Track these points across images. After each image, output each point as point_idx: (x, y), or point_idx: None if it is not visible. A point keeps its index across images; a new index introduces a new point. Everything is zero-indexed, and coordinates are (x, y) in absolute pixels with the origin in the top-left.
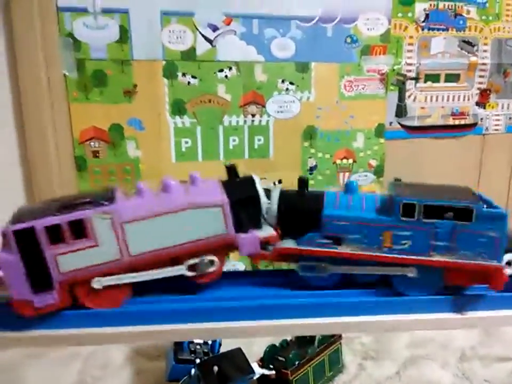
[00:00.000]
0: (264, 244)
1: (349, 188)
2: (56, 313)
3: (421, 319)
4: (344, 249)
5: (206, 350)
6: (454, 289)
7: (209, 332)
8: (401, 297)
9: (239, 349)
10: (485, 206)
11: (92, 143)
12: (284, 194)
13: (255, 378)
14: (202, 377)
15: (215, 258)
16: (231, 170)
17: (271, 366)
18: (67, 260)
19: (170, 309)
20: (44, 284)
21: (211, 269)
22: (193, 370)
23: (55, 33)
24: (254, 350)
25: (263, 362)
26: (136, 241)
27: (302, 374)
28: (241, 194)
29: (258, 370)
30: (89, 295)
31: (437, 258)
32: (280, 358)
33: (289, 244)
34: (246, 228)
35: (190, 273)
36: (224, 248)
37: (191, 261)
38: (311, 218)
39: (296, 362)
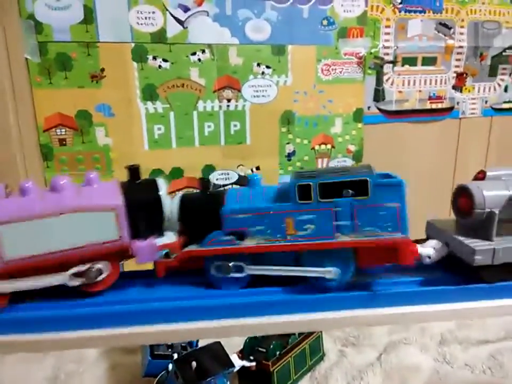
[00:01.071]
0: (166, 251)
1: (251, 182)
2: None
3: (339, 317)
4: (248, 243)
5: (183, 344)
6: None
7: (102, 340)
8: (317, 294)
9: (218, 343)
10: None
11: (58, 131)
12: (185, 198)
13: (235, 370)
14: (180, 373)
15: (105, 265)
16: (133, 171)
17: (252, 358)
18: None
19: (54, 315)
20: None
21: (100, 278)
22: (170, 366)
23: (16, 15)
24: (234, 341)
25: (243, 354)
26: (12, 245)
27: (283, 364)
28: (141, 198)
29: (238, 362)
30: None
31: (342, 239)
32: (261, 349)
33: (192, 247)
34: (144, 234)
35: (74, 282)
36: (117, 254)
37: (75, 269)
38: (212, 217)
39: (277, 353)
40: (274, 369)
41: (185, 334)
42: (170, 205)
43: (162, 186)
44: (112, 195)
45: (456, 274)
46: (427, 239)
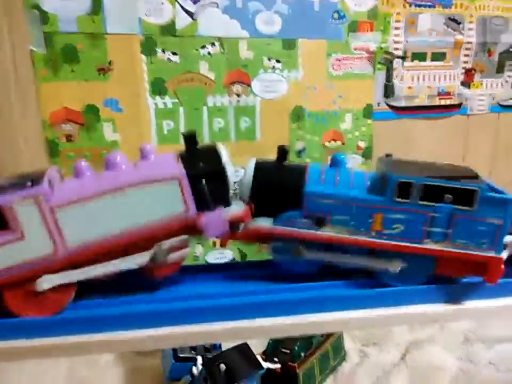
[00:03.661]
0: (234, 222)
1: (336, 162)
2: None
3: (412, 312)
4: (326, 232)
5: (207, 346)
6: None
7: (179, 338)
8: (387, 288)
9: (246, 344)
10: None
11: (64, 126)
12: (260, 166)
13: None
14: (210, 377)
15: (174, 244)
16: (190, 139)
17: (276, 360)
18: None
19: (126, 312)
20: None
21: (171, 258)
22: (194, 369)
23: (20, 5)
24: (255, 343)
25: (266, 356)
26: (73, 230)
27: (308, 366)
28: (203, 166)
29: (263, 364)
30: (20, 300)
31: (430, 246)
32: (285, 351)
33: (263, 222)
34: (210, 205)
35: (144, 264)
36: (184, 231)
37: (145, 252)
38: (291, 194)
39: (302, 354)
40: (300, 371)
41: (254, 331)
42: (244, 173)
43: (223, 152)
44: (171, 164)
45: None
46: None
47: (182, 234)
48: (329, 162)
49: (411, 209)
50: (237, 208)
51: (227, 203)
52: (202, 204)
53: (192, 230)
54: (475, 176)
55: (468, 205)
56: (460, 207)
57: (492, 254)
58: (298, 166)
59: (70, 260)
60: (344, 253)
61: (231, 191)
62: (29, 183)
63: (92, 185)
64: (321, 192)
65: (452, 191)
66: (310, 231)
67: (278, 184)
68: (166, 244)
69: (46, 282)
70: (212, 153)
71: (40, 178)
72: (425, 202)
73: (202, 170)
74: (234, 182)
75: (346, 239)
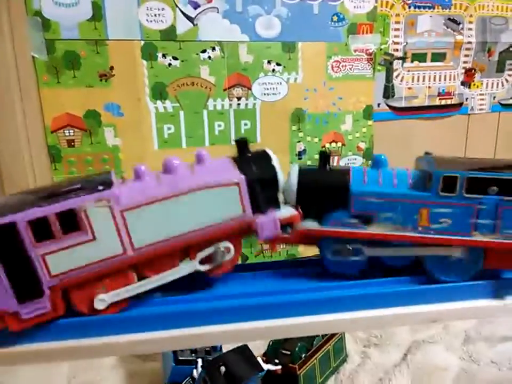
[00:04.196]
0: (284, 225)
1: (377, 162)
2: (49, 324)
3: (461, 307)
4: (375, 230)
5: (207, 349)
6: (492, 273)
7: (231, 335)
8: (437, 284)
9: (246, 346)
10: None
11: (66, 131)
12: (303, 170)
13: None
14: (210, 379)
15: (231, 245)
16: (242, 145)
17: (276, 361)
18: (58, 260)
19: (183, 310)
20: (31, 290)
21: (227, 258)
22: (195, 371)
23: (22, 12)
24: (255, 344)
25: (267, 357)
26: (140, 232)
27: (309, 367)
28: (257, 171)
29: (263, 366)
30: (87, 300)
31: (479, 238)
32: (285, 352)
33: (310, 224)
34: (263, 208)
35: (204, 267)
36: (240, 233)
37: (204, 252)
38: (337, 195)
39: (303, 355)
40: (301, 372)
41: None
42: (289, 177)
43: (274, 157)
44: (230, 170)
45: None
46: None
47: (238, 236)
48: (371, 164)
49: (457, 203)
50: (287, 211)
51: (278, 206)
52: (257, 207)
53: (247, 232)
54: None
55: None
56: (505, 198)
57: None
58: (341, 168)
59: (136, 260)
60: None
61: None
62: (101, 187)
63: (156, 189)
64: (367, 191)
65: (497, 183)
66: (358, 230)
67: (323, 186)
68: (225, 245)
69: (100, 302)
70: (264, 158)
71: (109, 182)
72: (471, 195)
73: (257, 175)
74: None
75: (394, 236)
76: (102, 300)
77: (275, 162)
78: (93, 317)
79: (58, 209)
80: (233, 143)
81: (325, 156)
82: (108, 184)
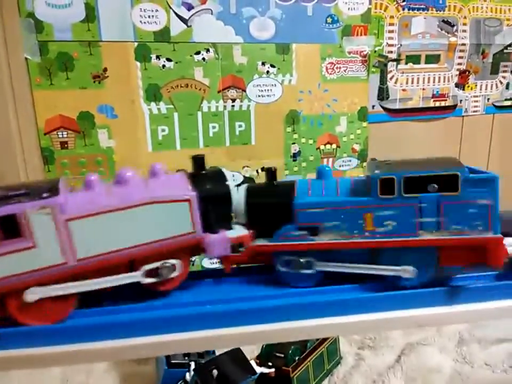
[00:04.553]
0: (236, 245)
1: (321, 173)
2: None
3: (421, 314)
4: (322, 239)
5: (200, 352)
6: (449, 279)
7: (176, 345)
8: (396, 291)
9: (239, 349)
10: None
11: (60, 133)
12: (251, 189)
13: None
14: (202, 382)
15: (178, 262)
16: (199, 161)
17: (270, 364)
18: None
19: (129, 319)
20: None
21: (173, 275)
22: (187, 375)
23: (15, 14)
24: (249, 347)
25: (260, 360)
26: (84, 243)
27: (302, 370)
28: (210, 189)
29: (257, 369)
30: (24, 308)
31: (426, 236)
32: (279, 355)
33: (262, 241)
34: (215, 227)
35: (148, 280)
36: (189, 250)
37: (149, 266)
38: (282, 210)
39: (296, 358)
40: (294, 375)
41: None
42: (237, 196)
43: (229, 176)
44: (183, 186)
45: None
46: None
47: (187, 253)
48: (315, 175)
49: (398, 204)
50: (239, 231)
51: (229, 226)
52: (208, 225)
53: (196, 249)
54: (455, 163)
55: (453, 190)
56: (445, 193)
57: (489, 235)
58: (286, 183)
59: (78, 271)
60: (349, 260)
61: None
62: (45, 194)
63: (104, 200)
64: (309, 202)
65: (435, 180)
66: (305, 242)
67: (269, 202)
68: (171, 262)
69: (30, 295)
70: (218, 177)
71: (56, 190)
72: (410, 195)
73: (210, 193)
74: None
75: (342, 243)
76: (33, 293)
77: (230, 181)
78: (33, 327)
79: None
80: (228, 144)
81: (270, 172)
82: (54, 192)
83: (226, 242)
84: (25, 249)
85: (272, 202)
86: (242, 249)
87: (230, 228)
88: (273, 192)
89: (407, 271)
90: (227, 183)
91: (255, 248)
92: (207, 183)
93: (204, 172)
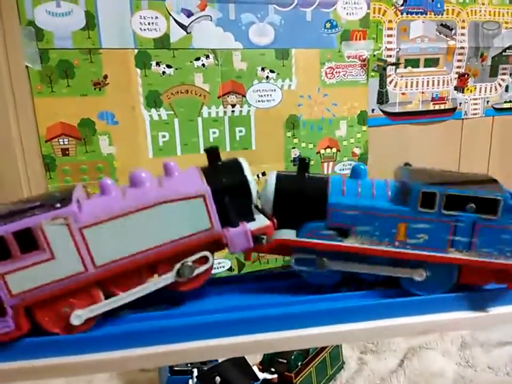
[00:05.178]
0: (257, 236)
1: (356, 173)
2: (13, 343)
3: (435, 320)
4: (351, 243)
5: None
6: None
7: (205, 352)
8: (411, 297)
9: (241, 356)
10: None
11: (61, 140)
12: (281, 178)
13: None
14: None
15: (209, 253)
16: (212, 154)
17: (273, 370)
18: (18, 279)
19: (155, 327)
20: None
21: (196, 273)
22: (190, 382)
23: (15, 22)
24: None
25: (263, 366)
26: (101, 249)
27: (305, 375)
28: (226, 181)
29: (260, 375)
30: (53, 318)
31: (454, 255)
32: (282, 360)
33: (286, 234)
34: (234, 220)
35: (180, 280)
36: (210, 246)
37: (176, 266)
38: (314, 206)
39: (299, 363)
40: (297, 381)
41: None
42: (266, 184)
43: (246, 166)
44: (196, 181)
45: None
46: None
47: (207, 251)
48: (349, 174)
49: (435, 219)
50: (260, 222)
51: (251, 217)
52: (227, 220)
53: (217, 245)
54: (496, 184)
55: (492, 214)
56: (483, 216)
57: None
58: (320, 178)
59: (98, 277)
60: (368, 263)
61: (253, 205)
62: (58, 204)
63: (119, 204)
64: (345, 203)
65: (474, 200)
66: (334, 242)
67: (300, 196)
68: (191, 260)
69: (76, 318)
70: (235, 168)
71: (68, 198)
72: (448, 212)
73: (225, 185)
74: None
75: (370, 250)
76: (78, 316)
77: (247, 171)
78: (61, 336)
79: (14, 229)
80: (228, 149)
81: (304, 164)
82: (67, 201)
83: (247, 235)
84: (44, 261)
85: (304, 195)
86: (264, 240)
87: (252, 220)
88: (307, 185)
89: (419, 274)
90: (245, 173)
91: (279, 242)
92: (223, 175)
93: (219, 163)
